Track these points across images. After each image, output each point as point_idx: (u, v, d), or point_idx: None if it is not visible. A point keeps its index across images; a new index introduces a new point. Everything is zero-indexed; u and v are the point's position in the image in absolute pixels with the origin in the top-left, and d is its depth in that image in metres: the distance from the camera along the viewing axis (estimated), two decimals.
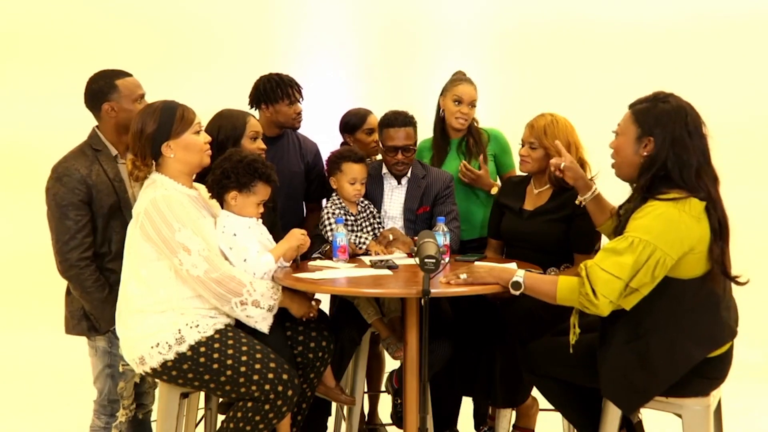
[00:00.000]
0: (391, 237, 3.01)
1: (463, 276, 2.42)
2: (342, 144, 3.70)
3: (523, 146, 3.03)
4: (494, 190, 3.35)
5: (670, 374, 2.21)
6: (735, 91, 5.51)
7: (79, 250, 2.66)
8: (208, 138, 2.57)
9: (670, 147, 2.22)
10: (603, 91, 5.15)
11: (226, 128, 2.87)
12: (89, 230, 2.69)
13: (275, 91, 3.29)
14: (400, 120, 3.18)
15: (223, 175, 2.59)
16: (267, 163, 2.66)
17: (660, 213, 2.16)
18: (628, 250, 2.16)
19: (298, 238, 2.66)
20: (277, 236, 2.77)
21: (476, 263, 2.64)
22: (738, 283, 2.27)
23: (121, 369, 2.76)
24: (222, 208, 2.65)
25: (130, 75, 2.83)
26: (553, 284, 2.30)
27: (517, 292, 2.35)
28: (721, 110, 5.32)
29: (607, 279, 2.16)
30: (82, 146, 2.79)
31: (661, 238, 2.14)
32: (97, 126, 2.82)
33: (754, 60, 5.56)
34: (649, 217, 2.17)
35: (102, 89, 2.76)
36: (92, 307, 2.71)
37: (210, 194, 2.66)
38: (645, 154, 2.27)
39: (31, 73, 5.51)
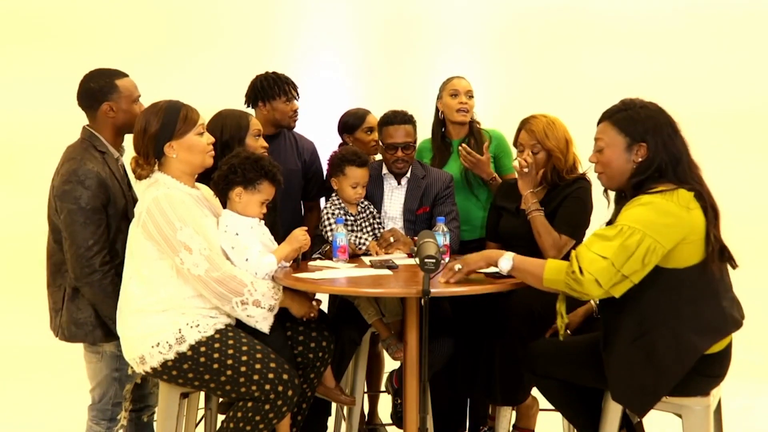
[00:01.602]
0: (392, 239, 3.01)
1: (458, 266, 2.44)
2: (341, 145, 3.70)
3: (522, 151, 3.02)
4: (492, 179, 3.36)
5: (678, 368, 2.21)
6: (734, 82, 5.54)
7: (102, 255, 2.58)
8: (212, 139, 2.57)
9: (663, 148, 2.26)
10: (602, 84, 5.16)
11: (230, 127, 2.88)
12: (108, 234, 2.62)
13: (272, 88, 3.32)
14: (399, 118, 3.21)
15: (230, 171, 2.60)
16: (274, 162, 2.67)
17: (647, 202, 2.21)
18: (618, 236, 2.19)
19: (299, 240, 2.65)
20: (277, 235, 2.77)
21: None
22: (733, 266, 2.29)
23: (130, 371, 2.69)
24: (225, 206, 2.65)
25: (126, 75, 2.79)
26: (541, 266, 2.34)
27: (506, 270, 2.39)
28: (720, 102, 5.38)
29: (593, 258, 2.19)
30: (84, 146, 2.69)
31: (649, 226, 2.17)
32: (89, 125, 2.74)
33: (753, 52, 5.59)
34: (638, 207, 2.22)
35: (102, 89, 2.70)
36: (111, 312, 2.59)
37: (215, 191, 2.66)
38: (639, 160, 2.30)
39: (28, 55, 5.44)
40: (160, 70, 5.23)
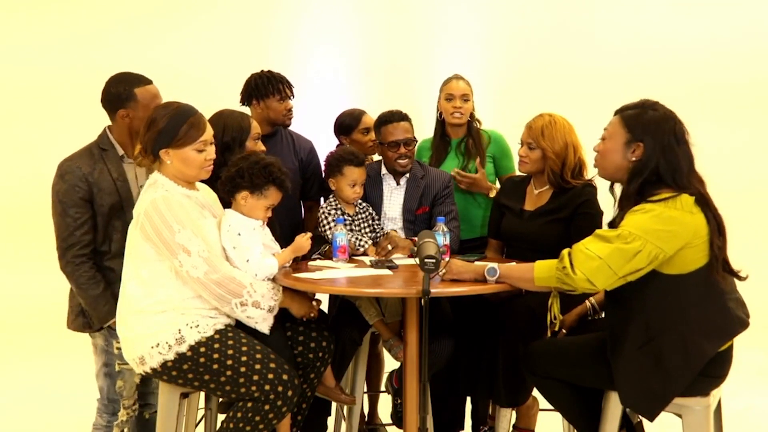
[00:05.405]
0: (390, 247, 3.00)
1: (442, 272, 2.45)
2: (338, 146, 3.70)
3: (521, 146, 3.04)
4: (492, 193, 3.36)
5: (686, 372, 2.21)
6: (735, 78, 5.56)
7: (77, 247, 2.69)
8: (213, 156, 2.53)
9: (660, 153, 2.27)
10: (606, 87, 5.16)
11: (232, 128, 2.87)
12: (89, 227, 2.71)
13: (266, 86, 3.33)
14: (396, 116, 3.24)
15: (237, 174, 2.60)
16: (283, 169, 2.66)
17: (650, 209, 2.22)
18: (617, 239, 2.21)
19: (303, 248, 2.67)
20: (275, 234, 2.77)
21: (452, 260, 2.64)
22: (739, 278, 2.30)
23: (117, 368, 2.76)
24: (228, 206, 2.65)
25: (150, 82, 2.84)
26: (530, 268, 2.37)
27: (493, 279, 2.41)
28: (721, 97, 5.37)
29: (588, 256, 2.22)
30: (90, 146, 2.81)
31: (651, 233, 2.18)
32: (108, 126, 2.85)
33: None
34: (640, 214, 2.23)
35: (120, 96, 2.76)
36: (86, 303, 2.73)
37: (221, 191, 2.65)
38: (634, 159, 2.32)
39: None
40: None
